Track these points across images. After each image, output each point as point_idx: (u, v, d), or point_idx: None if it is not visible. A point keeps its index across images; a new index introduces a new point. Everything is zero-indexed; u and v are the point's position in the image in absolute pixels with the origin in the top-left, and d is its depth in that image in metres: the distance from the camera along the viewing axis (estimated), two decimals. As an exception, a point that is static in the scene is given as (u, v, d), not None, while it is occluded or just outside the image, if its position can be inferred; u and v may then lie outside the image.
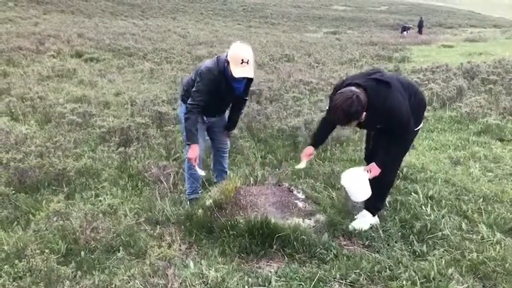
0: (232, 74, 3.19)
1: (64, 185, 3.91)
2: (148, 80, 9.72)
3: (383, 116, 2.86)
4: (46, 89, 7.81)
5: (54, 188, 3.87)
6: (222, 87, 3.33)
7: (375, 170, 3.03)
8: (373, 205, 3.37)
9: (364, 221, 3.36)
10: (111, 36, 16.59)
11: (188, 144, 3.40)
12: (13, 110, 6.25)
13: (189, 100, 3.33)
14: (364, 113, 2.79)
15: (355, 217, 3.43)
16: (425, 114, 6.41)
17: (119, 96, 7.71)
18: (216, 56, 3.38)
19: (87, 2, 32.47)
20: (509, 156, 4.84)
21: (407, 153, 3.48)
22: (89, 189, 3.93)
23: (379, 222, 3.36)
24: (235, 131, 5.28)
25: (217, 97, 3.38)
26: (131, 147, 4.76)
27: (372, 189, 3.14)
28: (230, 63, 3.19)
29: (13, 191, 3.59)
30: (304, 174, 4.22)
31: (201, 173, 3.49)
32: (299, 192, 3.59)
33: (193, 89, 3.32)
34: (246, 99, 3.76)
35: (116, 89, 8.27)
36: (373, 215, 3.39)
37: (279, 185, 3.68)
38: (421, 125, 3.27)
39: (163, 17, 31.24)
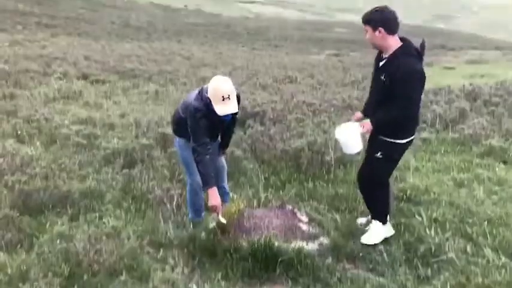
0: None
1: (68, 207, 3.92)
2: (153, 101, 9.82)
3: (397, 73, 3.01)
4: (52, 110, 7.89)
5: (58, 210, 3.88)
6: (213, 120, 3.28)
7: (367, 125, 3.16)
8: (376, 211, 3.42)
9: (375, 233, 3.36)
10: (117, 58, 16.83)
11: (206, 189, 3.28)
12: (19, 132, 6.31)
13: (193, 143, 3.26)
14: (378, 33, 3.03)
15: (366, 229, 3.47)
16: (428, 135, 6.46)
17: (123, 117, 7.78)
18: (199, 90, 3.34)
19: (94, 25, 33.09)
20: (513, 179, 4.83)
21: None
22: (92, 211, 3.94)
23: (393, 233, 3.37)
24: (239, 152, 5.32)
25: (211, 128, 3.35)
26: (135, 168, 4.79)
27: (367, 195, 3.41)
28: (212, 101, 3.14)
29: (17, 214, 3.60)
30: (307, 196, 4.23)
31: (223, 220, 3.31)
32: (302, 215, 3.58)
33: (190, 130, 3.25)
34: (236, 119, 3.75)
35: (121, 111, 8.35)
36: (383, 223, 3.38)
37: (283, 207, 3.68)
38: (410, 138, 3.25)
39: (168, 40, 31.69)
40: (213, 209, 3.32)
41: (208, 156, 3.27)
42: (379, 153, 3.24)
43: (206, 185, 3.29)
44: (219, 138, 3.73)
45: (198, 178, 3.60)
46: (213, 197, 3.26)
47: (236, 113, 3.53)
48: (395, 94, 3.04)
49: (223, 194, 3.95)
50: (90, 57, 16.03)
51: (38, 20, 29.36)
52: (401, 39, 3.15)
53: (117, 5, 51.50)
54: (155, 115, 7.78)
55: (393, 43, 3.10)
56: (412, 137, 3.27)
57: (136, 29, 35.41)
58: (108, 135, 6.37)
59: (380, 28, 3.05)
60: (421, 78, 3.08)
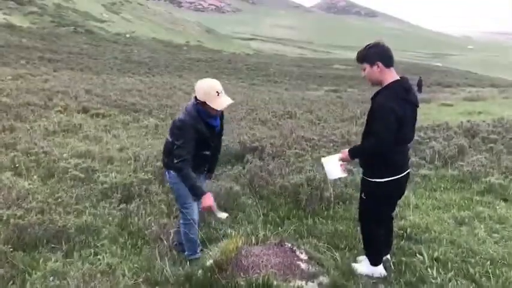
0: (213, 110, 3.22)
1: (63, 243, 3.85)
2: (152, 135, 9.86)
3: (372, 108, 3.12)
4: (51, 144, 7.90)
5: (52, 245, 3.81)
6: (203, 130, 3.31)
7: (344, 153, 3.33)
8: (367, 250, 3.50)
9: (365, 265, 3.47)
10: (118, 93, 17.02)
11: (199, 198, 3.28)
12: (17, 165, 6.29)
13: (176, 159, 3.23)
14: (376, 67, 3.08)
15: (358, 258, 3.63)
16: (428, 172, 6.44)
17: (122, 151, 7.78)
18: (184, 108, 3.40)
19: (97, 60, 33.69)
20: (514, 217, 4.78)
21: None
22: (88, 247, 3.87)
23: (384, 274, 3.35)
24: (237, 188, 5.28)
25: (202, 143, 3.35)
26: (132, 203, 4.74)
27: (361, 233, 3.54)
28: (206, 102, 3.20)
29: (11, 249, 3.54)
30: (307, 233, 4.16)
31: (223, 215, 3.36)
32: (302, 253, 3.51)
33: (176, 146, 3.24)
34: (222, 135, 3.76)
35: (120, 145, 8.36)
36: (373, 264, 3.42)
37: (281, 245, 3.61)
38: (391, 178, 3.17)
39: (170, 75, 32.20)
40: (208, 210, 3.30)
41: (190, 170, 3.25)
42: (363, 194, 3.36)
43: (199, 195, 3.27)
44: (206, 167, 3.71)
45: (193, 213, 3.57)
46: (206, 199, 3.24)
47: (222, 128, 3.62)
48: (370, 129, 3.14)
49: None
50: (91, 91, 16.22)
51: (41, 55, 29.92)
52: (400, 77, 3.18)
53: (119, 41, 52.66)
54: (154, 149, 7.78)
55: (389, 77, 3.12)
56: (394, 177, 3.17)
57: (138, 64, 36.02)
58: (106, 169, 6.35)
59: (378, 62, 3.09)
60: (389, 115, 2.97)
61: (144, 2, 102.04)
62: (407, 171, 3.28)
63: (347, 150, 3.32)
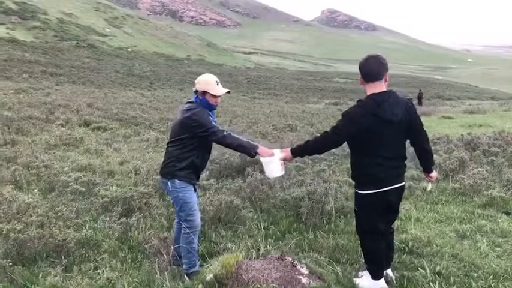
0: (214, 96, 3.50)
1: (63, 257, 3.83)
2: (153, 148, 9.87)
3: None
4: (52, 157, 7.92)
5: (52, 260, 3.79)
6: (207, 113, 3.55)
7: (286, 152, 3.46)
8: (367, 267, 3.47)
9: (366, 279, 3.44)
10: (119, 106, 17.11)
11: (255, 151, 3.46)
12: (18, 179, 6.29)
13: (211, 134, 3.44)
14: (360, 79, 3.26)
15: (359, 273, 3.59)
16: (433, 185, 6.42)
17: (123, 165, 7.79)
18: (186, 107, 3.55)
19: (98, 74, 33.91)
20: (516, 231, 4.74)
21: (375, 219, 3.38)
22: (87, 261, 3.85)
23: None
24: (238, 201, 5.26)
25: (205, 143, 3.56)
26: (133, 217, 4.72)
27: (364, 255, 3.49)
28: (208, 91, 3.51)
29: (10, 263, 3.52)
30: (308, 247, 4.14)
31: (282, 171, 3.51)
32: (303, 267, 3.48)
33: (202, 125, 3.42)
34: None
35: (121, 158, 8.37)
36: (374, 278, 3.40)
37: (282, 259, 3.58)
38: (374, 191, 3.20)
39: (171, 88, 32.40)
40: (270, 156, 3.46)
41: (229, 135, 3.47)
42: (354, 206, 3.43)
43: (251, 149, 3.47)
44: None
45: (198, 220, 3.57)
46: (263, 151, 3.47)
47: None
48: None
49: None
50: (92, 105, 16.31)
51: (44, 69, 30.16)
52: (381, 91, 3.20)
53: (121, 55, 53.07)
54: (155, 162, 7.79)
55: (369, 90, 3.22)
56: (376, 190, 3.19)
57: (140, 78, 36.25)
58: (107, 183, 6.35)
59: (359, 75, 3.28)
60: (347, 119, 3.17)
61: (146, 17, 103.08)
62: (395, 186, 3.25)
63: (289, 149, 3.48)
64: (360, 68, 3.25)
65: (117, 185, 6.27)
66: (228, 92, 3.68)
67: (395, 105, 3.17)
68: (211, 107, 3.59)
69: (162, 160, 3.71)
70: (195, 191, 3.64)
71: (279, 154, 3.47)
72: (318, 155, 9.09)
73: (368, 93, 3.21)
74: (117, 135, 11.33)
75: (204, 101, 3.55)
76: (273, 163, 3.47)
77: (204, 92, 3.53)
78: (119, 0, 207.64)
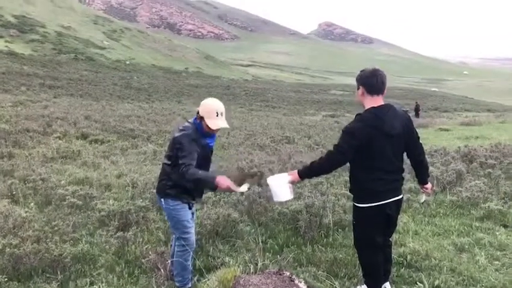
0: (208, 127, 3.33)
1: (59, 272, 3.79)
2: (151, 161, 9.85)
3: None
4: (49, 170, 7.89)
5: (48, 275, 3.75)
6: (200, 147, 3.37)
7: (293, 175, 3.31)
8: (365, 281, 3.46)
9: None
10: (117, 119, 17.13)
11: (213, 182, 3.22)
12: (14, 192, 6.26)
13: (180, 168, 3.24)
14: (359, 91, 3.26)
15: None
16: (426, 198, 6.42)
17: (120, 178, 7.76)
18: (179, 125, 3.49)
19: (96, 86, 34.01)
20: (514, 244, 4.74)
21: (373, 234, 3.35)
22: (84, 277, 3.82)
23: None
24: (236, 215, 5.24)
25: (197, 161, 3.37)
26: (130, 231, 4.69)
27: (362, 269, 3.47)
28: (205, 118, 3.33)
29: (6, 279, 3.49)
30: (306, 261, 4.12)
31: (245, 188, 3.36)
32: (300, 282, 3.47)
33: (180, 157, 3.26)
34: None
35: (118, 171, 8.35)
36: None
37: (280, 274, 3.57)
38: (372, 204, 3.21)
39: (169, 100, 32.49)
40: (228, 190, 3.29)
41: (193, 169, 3.24)
42: (353, 219, 3.42)
43: (210, 181, 3.22)
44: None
45: (193, 238, 3.55)
46: (221, 182, 3.20)
47: (211, 149, 3.61)
48: None
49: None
50: (90, 117, 16.32)
51: (42, 82, 30.25)
52: (381, 105, 3.23)
53: (119, 67, 53.31)
54: (152, 175, 7.76)
55: (368, 104, 3.22)
56: (374, 203, 3.20)
57: (138, 90, 36.35)
58: (104, 196, 6.32)
59: (360, 86, 3.26)
60: (348, 134, 3.15)
61: (144, 30, 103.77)
62: (393, 199, 3.26)
63: (296, 171, 3.35)
64: (363, 81, 3.23)
65: (114, 198, 6.24)
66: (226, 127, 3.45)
67: (395, 118, 3.19)
68: (206, 134, 3.43)
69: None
70: (190, 208, 3.57)
71: (286, 177, 3.32)
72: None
73: (367, 107, 3.23)
74: (115, 147, 11.32)
75: (200, 126, 3.40)
76: (281, 187, 3.32)
77: (202, 117, 3.37)
78: (118, 13, 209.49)
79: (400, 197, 3.33)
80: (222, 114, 3.37)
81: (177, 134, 3.39)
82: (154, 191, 6.18)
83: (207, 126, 3.34)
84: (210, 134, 3.45)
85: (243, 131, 16.80)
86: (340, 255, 4.29)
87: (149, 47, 75.04)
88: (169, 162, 3.45)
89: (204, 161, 3.50)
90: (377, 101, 3.21)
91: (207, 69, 74.27)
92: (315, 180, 7.99)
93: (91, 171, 8.35)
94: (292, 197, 3.41)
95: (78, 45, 57.17)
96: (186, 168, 3.22)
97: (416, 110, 32.09)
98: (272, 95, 48.25)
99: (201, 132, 3.39)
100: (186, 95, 38.33)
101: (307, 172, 3.31)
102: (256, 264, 3.77)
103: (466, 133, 18.30)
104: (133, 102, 28.23)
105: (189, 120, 3.49)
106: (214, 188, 3.28)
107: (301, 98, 49.22)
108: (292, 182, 3.36)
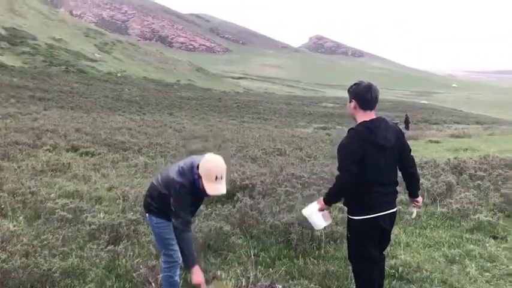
0: (205, 190, 3.17)
1: (48, 287, 3.74)
2: (142, 174, 9.80)
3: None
4: (39, 183, 7.80)
5: (36, 290, 3.70)
6: (195, 197, 3.32)
7: (320, 202, 3.41)
8: None
9: None
10: (108, 131, 17.04)
11: (189, 267, 3.19)
12: (2, 206, 6.17)
13: (176, 220, 3.20)
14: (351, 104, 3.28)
15: None
16: (418, 210, 6.46)
17: (111, 191, 7.70)
18: (179, 165, 3.32)
19: (87, 99, 33.88)
20: (504, 255, 4.77)
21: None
22: (73, 291, 3.76)
23: None
24: (227, 227, 5.22)
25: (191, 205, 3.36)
26: (120, 245, 4.65)
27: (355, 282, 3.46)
28: (203, 179, 3.15)
29: (-7, 294, 3.42)
30: (298, 274, 4.10)
31: (327, 221, 3.48)
32: (293, 295, 3.46)
33: (174, 207, 3.21)
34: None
35: (109, 184, 8.29)
36: None
37: (272, 287, 3.55)
38: (367, 217, 3.22)
39: (160, 113, 32.44)
40: (196, 283, 3.20)
41: (190, 233, 3.24)
42: (347, 232, 3.43)
43: (190, 263, 3.19)
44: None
45: (177, 255, 3.49)
46: (196, 274, 3.16)
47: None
48: None
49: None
50: (81, 130, 16.22)
51: (32, 94, 30.06)
52: (373, 118, 3.26)
53: (110, 80, 53.22)
54: (143, 188, 7.71)
55: (361, 118, 3.25)
56: (367, 216, 3.22)
57: (129, 103, 36.27)
58: (94, 210, 6.26)
59: (354, 100, 3.27)
60: (346, 152, 3.19)
61: (136, 42, 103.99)
62: (387, 212, 3.28)
63: (321, 198, 3.41)
64: (357, 96, 3.25)
65: (104, 211, 6.19)
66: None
67: (387, 131, 3.23)
68: (202, 193, 3.26)
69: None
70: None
71: (316, 206, 3.44)
72: (307, 180, 9.11)
73: (359, 121, 3.25)
74: (106, 160, 11.24)
75: (197, 183, 3.22)
76: (314, 215, 3.45)
77: (201, 177, 3.20)
78: (109, 26, 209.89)
79: (394, 210, 3.35)
80: (222, 177, 3.16)
81: (177, 179, 3.24)
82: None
83: (203, 186, 3.17)
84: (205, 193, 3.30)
85: (235, 143, 16.81)
86: (332, 268, 4.29)
87: (141, 60, 75.11)
88: (165, 193, 3.36)
89: (196, 203, 3.47)
90: (369, 115, 3.24)
91: (198, 82, 74.44)
92: (306, 192, 8.00)
93: (81, 184, 8.27)
94: (327, 223, 3.52)
95: (69, 58, 57.04)
96: (184, 233, 3.19)
97: (406, 122, 32.39)
98: (264, 107, 48.42)
99: (197, 187, 3.24)
100: (177, 108, 38.31)
101: (328, 198, 3.38)
102: (248, 278, 3.76)
103: (456, 145, 18.50)
104: (125, 114, 28.14)
105: (186, 166, 3.31)
106: (187, 268, 3.27)
107: (292, 110, 49.44)
108: (321, 209, 3.42)
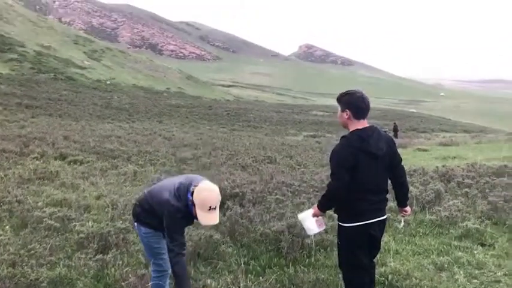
0: (197, 218, 3.16)
1: (34, 297, 3.68)
2: (131, 182, 9.72)
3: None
4: (26, 192, 7.70)
5: (23, 300, 3.64)
6: (188, 220, 3.32)
7: (314, 208, 3.48)
8: None
9: None
10: (97, 139, 16.90)
11: None
12: (-11, 215, 6.08)
13: (170, 242, 3.20)
14: (344, 113, 3.31)
15: None
16: (406, 217, 6.51)
17: (100, 199, 7.63)
18: (176, 188, 3.27)
19: (75, 106, 33.59)
20: (492, 262, 4.82)
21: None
22: (61, 302, 3.70)
23: None
24: (217, 236, 5.20)
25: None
26: (109, 254, 4.61)
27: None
28: (196, 208, 3.13)
29: (-22, 305, 3.36)
30: (288, 283, 4.10)
31: (320, 227, 3.55)
32: (283, 303, 3.45)
33: (169, 230, 3.21)
34: None
35: (97, 192, 8.21)
36: None
37: (262, 296, 3.54)
38: (356, 224, 3.25)
39: (150, 121, 32.28)
40: None
41: (184, 258, 3.24)
42: (337, 239, 3.47)
43: (182, 286, 3.23)
44: None
45: (167, 264, 3.48)
46: None
47: None
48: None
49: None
50: (69, 138, 16.06)
51: (19, 101, 29.69)
52: (365, 127, 3.30)
53: (99, 87, 52.90)
54: (132, 196, 7.66)
55: (353, 126, 3.30)
56: (357, 223, 3.25)
57: (118, 110, 36.06)
58: (83, 218, 6.20)
59: (347, 110, 3.30)
60: (338, 160, 3.22)
61: (126, 50, 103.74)
62: (377, 219, 3.31)
63: (316, 204, 3.46)
64: (350, 105, 3.28)
65: (93, 220, 6.13)
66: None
67: (379, 140, 3.27)
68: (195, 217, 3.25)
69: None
70: (164, 236, 3.44)
71: (310, 211, 3.53)
72: (297, 188, 9.13)
73: (351, 129, 3.28)
74: (94, 168, 11.13)
75: (191, 209, 3.20)
76: (308, 220, 3.53)
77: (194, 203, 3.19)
78: (99, 33, 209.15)
79: (384, 217, 3.38)
80: (215, 208, 3.14)
81: (171, 201, 3.21)
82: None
83: (196, 214, 3.16)
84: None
85: (225, 151, 16.79)
86: (323, 276, 4.29)
87: (130, 67, 74.84)
88: (152, 212, 3.35)
89: (188, 224, 3.47)
90: (362, 124, 3.28)
91: (188, 90, 74.35)
92: (296, 200, 8.01)
93: (69, 192, 8.18)
94: (322, 228, 3.60)
95: (58, 65, 56.60)
96: (178, 256, 3.19)
97: (395, 131, 32.69)
98: (254, 115, 48.50)
99: (190, 212, 3.22)
100: (167, 115, 38.18)
101: (321, 204, 3.43)
102: (239, 287, 3.74)
103: (444, 153, 18.71)
104: (114, 122, 27.95)
105: (182, 188, 3.26)
106: None
107: (282, 118, 49.59)
108: (315, 215, 3.48)
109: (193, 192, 3.16)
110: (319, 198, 3.47)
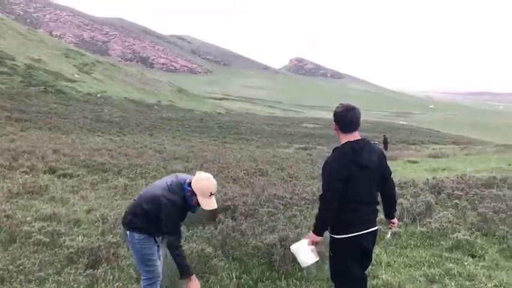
0: (199, 205, 3.42)
1: (23, 314, 3.62)
2: (121, 196, 9.65)
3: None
4: (14, 206, 7.60)
5: (11, 317, 3.57)
6: (183, 213, 3.53)
7: (309, 237, 3.38)
8: None
9: None
10: (87, 152, 16.78)
11: (186, 277, 3.43)
12: (-23, 230, 5.98)
13: (170, 237, 3.41)
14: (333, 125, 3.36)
15: None
16: (397, 229, 6.53)
17: (90, 213, 7.56)
18: (169, 184, 3.48)
19: (66, 119, 33.40)
20: (482, 273, 4.86)
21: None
22: (50, 318, 3.65)
23: None
24: (209, 250, 5.17)
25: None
26: (100, 268, 4.56)
27: None
28: (198, 196, 3.40)
29: (-35, 323, 3.29)
30: (280, 296, 4.07)
31: (315, 258, 3.44)
32: (275, 317, 3.43)
33: (166, 225, 3.39)
34: None
35: (87, 206, 8.14)
36: None
37: (255, 310, 3.52)
38: (347, 236, 3.27)
39: (141, 134, 32.17)
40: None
41: (182, 248, 3.46)
42: (329, 251, 3.45)
43: (186, 274, 3.43)
44: None
45: (158, 270, 3.61)
46: (194, 282, 3.44)
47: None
48: None
49: None
50: (59, 151, 15.93)
51: (9, 115, 29.47)
52: (357, 139, 3.33)
53: (90, 100, 52.69)
54: (123, 210, 7.58)
55: (344, 139, 3.33)
56: (349, 235, 3.27)
57: (109, 123, 35.91)
58: (72, 233, 6.13)
59: (334, 122, 3.37)
60: (331, 171, 3.23)
61: (116, 63, 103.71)
62: (368, 230, 3.33)
63: (311, 232, 3.39)
64: (338, 118, 3.33)
65: (83, 234, 6.07)
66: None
67: (371, 152, 3.31)
68: (193, 207, 3.54)
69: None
70: (156, 242, 3.63)
71: (304, 241, 3.40)
72: (289, 200, 9.13)
73: (342, 141, 3.32)
74: (84, 182, 11.04)
75: (190, 199, 3.46)
76: (301, 250, 3.42)
77: (194, 193, 3.44)
78: (89, 47, 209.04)
79: (374, 228, 3.41)
80: (214, 194, 3.47)
81: (166, 195, 3.40)
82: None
83: (199, 203, 3.43)
84: (195, 208, 3.55)
85: (217, 164, 16.75)
86: (315, 289, 4.28)
87: (121, 80, 74.73)
88: (145, 214, 3.47)
89: (183, 218, 3.63)
90: (354, 136, 3.32)
91: (180, 103, 74.33)
92: (288, 213, 8.01)
93: (59, 206, 8.09)
94: (317, 259, 3.46)
95: (48, 78, 56.32)
96: (178, 250, 3.41)
97: (385, 143, 32.91)
98: (245, 128, 48.58)
99: (189, 203, 3.47)
100: (158, 128, 38.08)
101: (316, 226, 3.35)
102: (231, 301, 3.71)
103: (434, 165, 18.87)
104: (104, 135, 27.81)
105: (175, 184, 3.48)
106: (182, 276, 3.47)
107: (273, 130, 49.73)
108: (312, 243, 3.37)
109: (190, 183, 3.42)
110: (313, 224, 3.38)
